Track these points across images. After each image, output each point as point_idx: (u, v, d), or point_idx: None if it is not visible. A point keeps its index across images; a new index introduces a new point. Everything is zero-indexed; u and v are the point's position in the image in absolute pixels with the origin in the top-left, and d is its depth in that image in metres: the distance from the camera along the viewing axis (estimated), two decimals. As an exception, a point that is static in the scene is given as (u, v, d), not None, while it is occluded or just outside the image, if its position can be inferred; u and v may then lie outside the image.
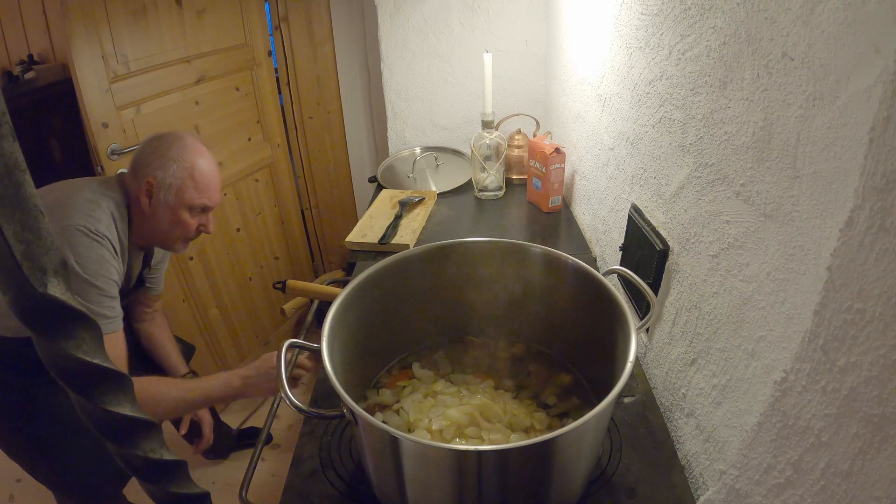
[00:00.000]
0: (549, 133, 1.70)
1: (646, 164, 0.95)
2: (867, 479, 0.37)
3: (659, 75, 0.85)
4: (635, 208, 1.00)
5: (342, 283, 1.20)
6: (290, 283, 1.29)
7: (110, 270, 1.00)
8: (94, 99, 1.43)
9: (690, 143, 0.76)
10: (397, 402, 0.83)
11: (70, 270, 0.92)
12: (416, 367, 0.91)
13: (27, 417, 1.11)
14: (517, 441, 0.73)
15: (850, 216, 0.37)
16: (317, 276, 2.58)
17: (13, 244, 0.30)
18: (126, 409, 0.39)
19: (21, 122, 0.90)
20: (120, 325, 1.04)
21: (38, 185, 0.40)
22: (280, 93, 2.19)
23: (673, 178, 0.83)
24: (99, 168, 1.50)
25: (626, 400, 0.90)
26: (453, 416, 0.77)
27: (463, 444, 0.73)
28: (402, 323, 0.91)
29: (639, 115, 0.96)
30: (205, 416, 1.47)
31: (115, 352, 1.02)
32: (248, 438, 1.94)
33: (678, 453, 0.81)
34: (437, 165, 1.83)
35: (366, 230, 1.46)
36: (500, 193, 1.67)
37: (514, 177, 1.75)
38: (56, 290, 0.33)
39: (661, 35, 0.83)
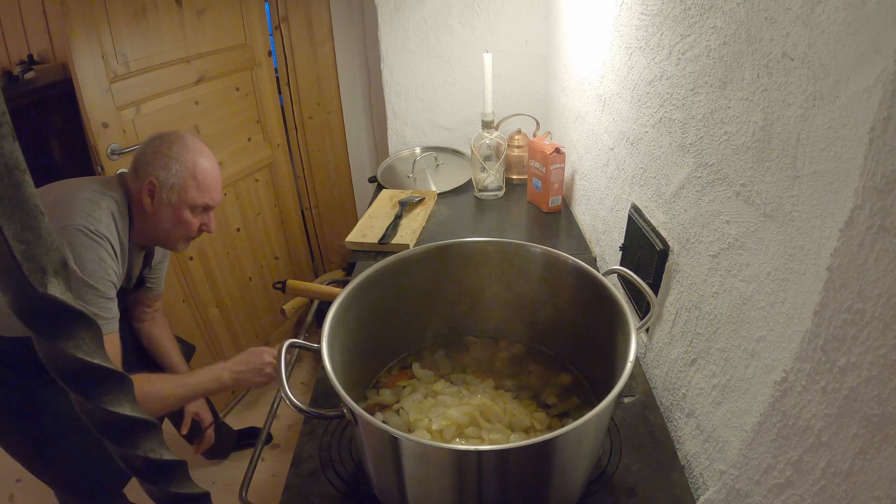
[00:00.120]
0: (549, 133, 1.70)
1: (646, 164, 0.95)
2: (867, 479, 0.37)
3: (659, 75, 0.85)
4: (635, 208, 1.00)
5: (342, 283, 1.20)
6: (290, 283, 1.29)
7: (108, 271, 1.00)
8: (94, 99, 1.43)
9: (690, 143, 0.76)
10: (397, 402, 0.83)
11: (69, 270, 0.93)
12: (416, 367, 0.91)
13: (28, 417, 1.11)
14: (517, 441, 0.73)
15: (850, 216, 0.37)
16: (317, 276, 2.58)
17: (13, 244, 0.30)
18: (126, 409, 0.39)
19: (21, 122, 0.90)
20: (116, 326, 1.04)
21: (38, 185, 0.40)
22: (280, 93, 2.19)
23: (673, 178, 0.83)
24: (99, 168, 1.50)
25: (626, 400, 0.90)
26: (453, 416, 0.77)
27: (463, 444, 0.73)
28: (402, 323, 0.91)
29: (639, 115, 0.96)
30: (206, 417, 1.47)
31: (111, 353, 1.02)
32: (248, 438, 1.94)
33: (678, 453, 0.81)
34: (437, 165, 1.83)
35: (366, 230, 1.46)
36: (500, 193, 1.67)
37: (514, 177, 1.75)
38: (56, 290, 0.33)
39: (661, 35, 0.83)
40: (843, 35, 0.44)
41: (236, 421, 1.99)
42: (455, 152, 1.90)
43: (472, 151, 1.59)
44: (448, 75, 1.85)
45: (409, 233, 1.43)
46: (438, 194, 1.70)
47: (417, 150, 1.91)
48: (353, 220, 2.45)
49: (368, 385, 0.89)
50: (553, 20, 1.68)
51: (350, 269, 1.38)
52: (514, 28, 1.77)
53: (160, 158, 1.06)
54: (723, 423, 0.70)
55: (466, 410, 0.78)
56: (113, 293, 1.03)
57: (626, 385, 0.61)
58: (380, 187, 1.81)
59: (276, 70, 2.15)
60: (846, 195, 0.45)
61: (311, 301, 1.40)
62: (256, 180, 2.09)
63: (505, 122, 1.75)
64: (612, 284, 0.75)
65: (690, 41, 0.73)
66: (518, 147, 1.71)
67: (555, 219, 1.52)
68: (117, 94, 1.48)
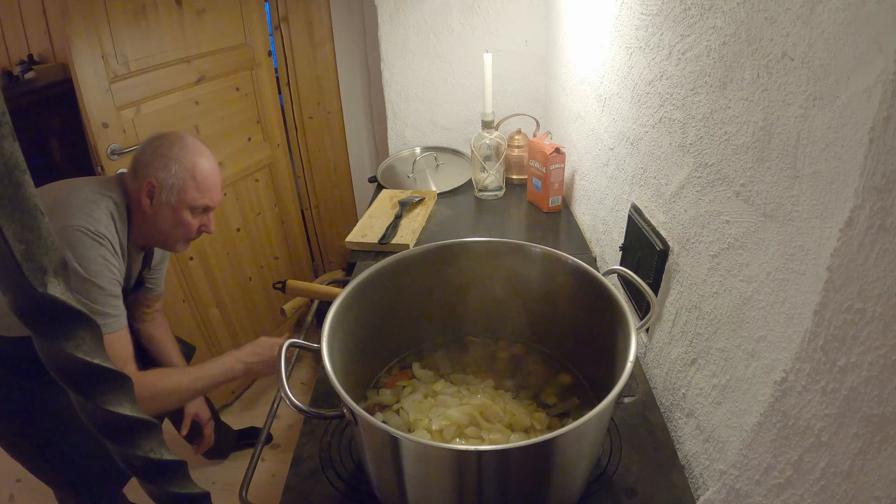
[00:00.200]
0: (549, 133, 1.70)
1: (646, 164, 0.95)
2: (867, 479, 0.37)
3: (659, 75, 0.85)
4: (635, 208, 1.00)
5: (342, 283, 1.20)
6: (290, 283, 1.29)
7: (112, 270, 1.01)
8: (94, 99, 1.43)
9: (690, 143, 0.76)
10: (397, 402, 0.83)
11: (71, 271, 0.93)
12: (416, 367, 0.91)
13: (28, 416, 1.11)
14: (517, 441, 0.73)
15: (850, 216, 0.37)
16: (317, 276, 2.58)
17: (13, 244, 0.30)
18: (126, 409, 0.39)
19: (21, 122, 0.90)
20: (124, 322, 1.04)
21: (38, 185, 0.40)
22: (280, 93, 2.19)
23: (673, 178, 0.83)
24: (99, 168, 1.50)
25: (626, 400, 0.90)
26: (453, 416, 0.77)
27: (463, 444, 0.73)
28: (402, 323, 0.91)
29: (639, 115, 0.96)
30: (205, 417, 1.47)
31: (122, 349, 1.02)
32: (248, 438, 1.94)
33: (678, 453, 0.81)
34: (437, 165, 1.83)
35: (366, 230, 1.46)
36: (500, 193, 1.67)
37: (514, 177, 1.75)
38: (56, 290, 0.33)
39: (661, 35, 0.83)
40: (843, 35, 0.44)
41: (236, 421, 1.99)
42: (455, 152, 1.90)
43: (472, 151, 1.59)
44: (448, 75, 1.85)
45: (409, 233, 1.43)
46: (438, 194, 1.70)
47: (417, 150, 1.91)
48: (353, 220, 2.45)
49: (368, 385, 0.89)
50: (553, 20, 1.68)
51: (350, 269, 1.38)
52: (514, 28, 1.77)
53: (159, 159, 1.06)
54: (723, 423, 0.70)
55: (466, 410, 0.78)
56: (119, 290, 1.03)
57: (626, 385, 0.61)
58: (380, 187, 1.81)
59: (276, 70, 2.15)
60: (846, 195, 0.45)
61: (311, 301, 1.40)
62: (256, 180, 2.09)
63: (505, 122, 1.75)
64: (612, 284, 0.75)
65: (690, 41, 0.73)
66: (518, 147, 1.71)
67: (555, 219, 1.52)
68: (117, 94, 1.48)
